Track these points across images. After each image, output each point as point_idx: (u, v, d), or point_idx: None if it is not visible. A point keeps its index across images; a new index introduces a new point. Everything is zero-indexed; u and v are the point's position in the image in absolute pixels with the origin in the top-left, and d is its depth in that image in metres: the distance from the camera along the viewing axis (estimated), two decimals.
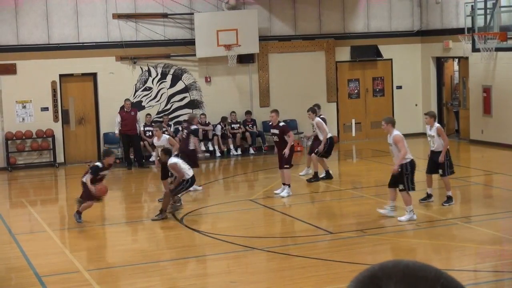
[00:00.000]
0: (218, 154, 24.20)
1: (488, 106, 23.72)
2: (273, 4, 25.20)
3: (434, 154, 15.55)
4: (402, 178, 14.03)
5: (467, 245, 12.96)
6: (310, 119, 19.32)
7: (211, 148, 24.36)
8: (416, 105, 27.04)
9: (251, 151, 24.40)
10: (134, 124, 22.85)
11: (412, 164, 14.10)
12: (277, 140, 17.15)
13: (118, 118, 22.78)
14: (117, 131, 22.86)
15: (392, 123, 14.41)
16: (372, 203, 16.57)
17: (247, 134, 24.46)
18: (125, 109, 22.80)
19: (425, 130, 26.58)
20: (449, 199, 15.52)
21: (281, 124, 17.33)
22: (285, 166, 16.94)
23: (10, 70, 22.61)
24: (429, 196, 15.89)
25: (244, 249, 12.89)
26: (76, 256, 12.93)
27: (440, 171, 15.42)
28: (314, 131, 19.34)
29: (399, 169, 13.98)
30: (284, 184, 17.07)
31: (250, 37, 23.99)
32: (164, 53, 24.16)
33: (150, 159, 18.10)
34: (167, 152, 15.76)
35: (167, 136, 17.67)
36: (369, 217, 15.10)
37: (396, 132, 14.19)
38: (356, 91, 26.67)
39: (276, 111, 17.58)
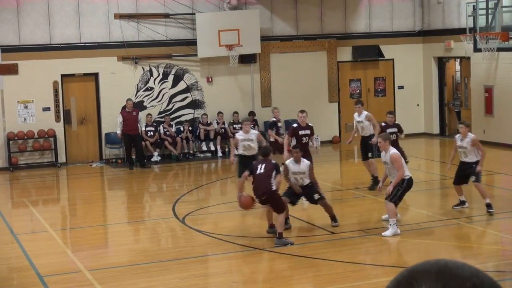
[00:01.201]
0: (219, 154, 24.20)
1: (489, 106, 23.71)
2: (274, 4, 25.20)
3: (465, 165, 14.63)
4: (394, 189, 13.28)
5: (469, 245, 12.96)
6: (358, 113, 18.01)
7: (212, 148, 24.36)
8: (418, 105, 27.04)
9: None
10: (136, 124, 22.85)
11: (409, 182, 13.36)
12: (306, 141, 16.46)
13: (120, 119, 22.77)
14: (119, 131, 22.85)
15: (389, 140, 13.61)
16: (373, 203, 16.56)
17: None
18: (127, 109, 22.79)
19: (428, 130, 26.75)
20: (489, 206, 14.59)
21: (310, 124, 16.79)
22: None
23: (12, 70, 22.63)
24: (462, 202, 15.08)
25: (246, 249, 12.90)
26: (78, 256, 12.93)
27: (473, 177, 14.48)
28: (356, 129, 18.06)
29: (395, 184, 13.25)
30: None
31: (251, 37, 23.99)
32: (165, 53, 24.17)
33: (232, 155, 16.36)
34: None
35: (257, 132, 16.21)
36: (371, 217, 15.10)
37: (393, 151, 13.37)
38: (358, 91, 26.67)
39: (305, 111, 17.08)
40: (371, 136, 17.52)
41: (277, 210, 13.01)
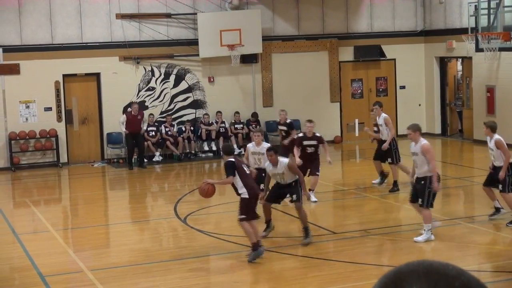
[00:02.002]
0: (222, 153, 24.15)
1: (491, 106, 23.69)
2: (276, 4, 25.20)
3: (495, 169, 13.83)
4: (422, 192, 12.75)
5: (471, 245, 12.95)
6: (376, 116, 17.50)
7: (214, 148, 24.36)
8: (419, 105, 27.02)
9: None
10: (139, 125, 22.86)
11: (437, 178, 12.88)
12: (312, 151, 16.29)
13: (123, 118, 22.72)
14: (124, 129, 22.71)
15: (419, 130, 13.18)
16: (375, 203, 16.56)
17: (251, 134, 24.39)
18: (133, 113, 22.75)
19: (430, 130, 26.73)
20: (497, 210, 14.16)
21: (318, 134, 16.48)
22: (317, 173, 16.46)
23: (13, 70, 22.64)
24: (497, 210, 14.18)
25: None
26: (79, 256, 12.94)
27: (500, 186, 13.70)
28: (376, 131, 17.65)
29: (422, 181, 12.75)
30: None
31: (253, 37, 23.99)
32: (167, 53, 24.17)
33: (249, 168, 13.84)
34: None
35: (269, 145, 14.21)
36: (372, 217, 15.10)
37: (424, 141, 12.90)
38: (360, 91, 26.66)
39: (312, 121, 16.60)
40: (391, 141, 17.26)
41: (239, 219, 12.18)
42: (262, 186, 13.62)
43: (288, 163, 12.81)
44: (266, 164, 13.09)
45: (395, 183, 17.35)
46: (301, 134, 16.57)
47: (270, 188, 13.38)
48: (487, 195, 14.28)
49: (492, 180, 13.90)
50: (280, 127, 19.20)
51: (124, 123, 22.70)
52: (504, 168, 13.57)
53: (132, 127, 22.63)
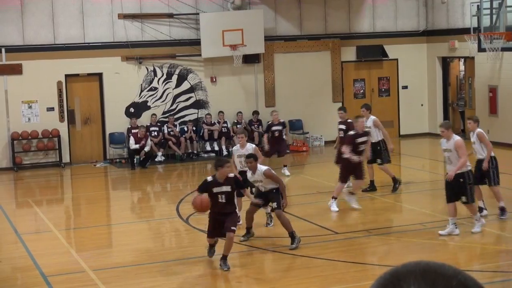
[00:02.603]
0: (224, 153, 24.20)
1: (494, 106, 23.67)
2: (278, 4, 25.20)
3: (479, 163, 14.13)
4: (464, 189, 12.81)
5: (473, 245, 12.94)
6: (366, 118, 17.22)
7: (216, 148, 24.37)
8: (422, 105, 27.01)
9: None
10: (144, 145, 22.81)
11: (472, 173, 13.00)
12: (363, 149, 15.78)
13: (132, 141, 22.68)
14: (135, 146, 22.68)
15: (451, 127, 13.31)
16: (377, 203, 16.55)
17: (255, 134, 24.42)
18: (139, 136, 22.72)
19: (431, 129, 26.70)
20: (502, 210, 14.24)
21: (367, 129, 16.10)
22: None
23: (16, 70, 22.66)
24: (480, 209, 14.24)
25: (249, 249, 12.90)
26: (82, 256, 12.94)
27: (486, 180, 14.08)
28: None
29: (460, 179, 12.77)
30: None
31: (255, 37, 23.99)
32: (169, 53, 24.18)
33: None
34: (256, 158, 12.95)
35: (253, 146, 14.31)
36: (375, 217, 15.09)
37: (457, 137, 13.01)
38: (362, 91, 26.65)
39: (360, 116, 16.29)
40: (379, 142, 17.14)
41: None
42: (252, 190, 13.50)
43: (264, 171, 12.57)
44: (247, 171, 12.98)
45: (372, 183, 17.37)
46: (352, 132, 15.64)
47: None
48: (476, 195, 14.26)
49: (480, 177, 14.00)
50: (274, 128, 19.60)
51: (133, 143, 22.69)
52: (487, 160, 13.91)
53: (138, 143, 22.72)
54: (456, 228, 13.13)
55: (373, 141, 16.98)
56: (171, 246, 14.10)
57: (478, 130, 14.13)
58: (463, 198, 12.90)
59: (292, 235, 12.64)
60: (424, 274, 1.69)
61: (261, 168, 12.70)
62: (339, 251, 12.62)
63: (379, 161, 17.28)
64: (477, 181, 13.98)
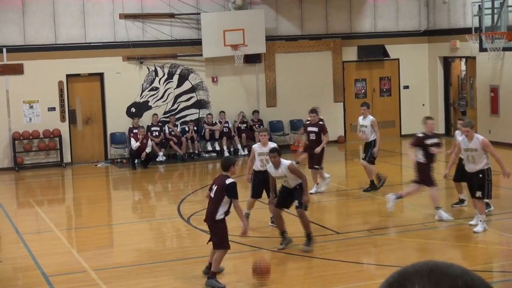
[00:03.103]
0: (226, 153, 24.19)
1: (495, 106, 23.66)
2: (279, 4, 25.19)
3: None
4: (483, 185, 13.03)
5: (474, 245, 12.93)
6: (362, 116, 17.44)
7: (217, 148, 24.36)
8: (423, 105, 26.99)
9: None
10: (145, 146, 22.75)
11: (491, 170, 13.22)
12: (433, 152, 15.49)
13: (134, 142, 22.64)
14: (137, 145, 22.63)
15: (474, 127, 13.43)
16: (379, 203, 16.54)
17: (256, 134, 24.40)
18: (139, 136, 22.68)
19: (435, 130, 26.66)
20: (487, 205, 14.43)
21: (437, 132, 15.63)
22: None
23: (17, 70, 22.66)
24: (461, 201, 15.27)
25: (251, 249, 12.89)
26: (83, 256, 12.94)
27: (479, 193, 14.16)
28: (361, 132, 17.42)
29: (480, 175, 13.02)
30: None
31: (256, 37, 23.98)
32: (170, 53, 24.18)
33: (248, 173, 14.36)
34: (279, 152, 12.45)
35: (275, 145, 13.61)
36: (376, 217, 15.08)
37: (482, 136, 13.21)
38: (363, 91, 26.64)
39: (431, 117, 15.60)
40: (371, 142, 17.20)
41: (217, 245, 11.00)
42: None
43: (289, 166, 12.14)
44: (268, 166, 12.60)
45: (372, 183, 17.39)
46: (421, 134, 14.97)
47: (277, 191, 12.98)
48: (456, 189, 15.10)
49: (463, 174, 14.10)
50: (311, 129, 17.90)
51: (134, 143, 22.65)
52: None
53: (141, 147, 22.67)
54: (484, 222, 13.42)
55: (367, 141, 17.27)
56: (172, 246, 14.09)
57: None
58: (479, 193, 13.16)
59: (309, 237, 12.44)
60: (430, 273, 1.69)
61: (285, 162, 12.24)
62: (340, 251, 12.61)
63: (362, 156, 17.48)
64: (458, 179, 14.67)
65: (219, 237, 10.92)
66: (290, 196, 12.45)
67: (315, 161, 17.10)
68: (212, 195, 10.93)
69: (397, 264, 11.73)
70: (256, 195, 13.97)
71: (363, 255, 12.44)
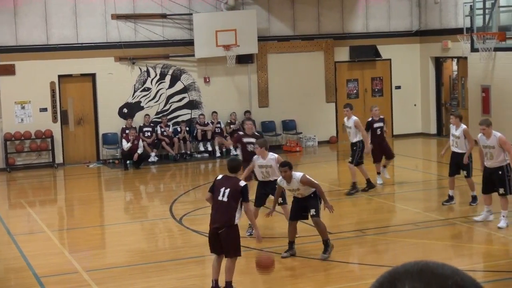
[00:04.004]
0: (218, 154, 24.20)
1: (487, 106, 23.72)
2: (272, 5, 25.20)
3: (457, 155, 15.17)
4: (503, 181, 13.34)
5: (466, 245, 12.97)
6: (346, 117, 17.30)
7: (210, 148, 24.36)
8: (415, 105, 27.05)
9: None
10: (137, 147, 22.71)
11: (510, 166, 13.46)
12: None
13: (125, 143, 22.59)
14: (128, 145, 22.57)
15: (491, 125, 13.65)
16: (371, 203, 16.57)
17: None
18: (129, 137, 22.64)
19: (425, 130, 26.76)
20: (474, 199, 15.37)
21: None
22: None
23: (9, 70, 22.61)
24: (451, 198, 15.56)
25: (243, 249, 12.88)
26: (75, 257, 12.92)
27: (464, 172, 15.18)
28: (349, 132, 17.33)
29: (499, 172, 13.34)
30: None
31: (249, 37, 23.99)
32: (163, 53, 24.16)
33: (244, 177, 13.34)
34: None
35: (275, 157, 13.37)
36: (368, 217, 15.11)
37: (499, 133, 13.47)
38: (355, 91, 26.67)
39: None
40: (357, 143, 17.04)
41: (230, 253, 10.43)
42: (280, 200, 13.08)
43: (301, 179, 11.73)
44: (279, 179, 12.09)
45: (369, 181, 17.40)
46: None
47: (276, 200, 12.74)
48: (449, 185, 15.51)
49: (456, 167, 15.18)
50: (376, 125, 17.95)
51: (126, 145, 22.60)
52: (467, 154, 14.88)
53: (133, 149, 22.64)
54: (491, 214, 13.82)
55: (352, 141, 17.15)
56: (164, 246, 14.09)
57: (464, 126, 15.21)
58: (501, 190, 13.43)
59: (326, 243, 12.01)
60: (421, 273, 1.70)
61: (297, 175, 11.81)
62: (333, 251, 12.62)
63: (350, 159, 17.36)
64: (453, 173, 15.28)
65: (234, 244, 10.40)
66: (303, 207, 12.02)
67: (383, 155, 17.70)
68: (224, 199, 10.25)
69: (389, 264, 11.75)
70: (258, 204, 13.63)
71: (355, 255, 12.46)
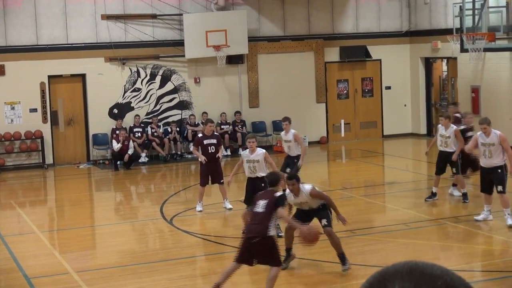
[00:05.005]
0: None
1: (476, 106, 23.80)
2: (262, 5, 25.21)
3: (446, 154, 15.54)
4: (502, 180, 13.51)
5: (456, 245, 13.01)
6: (286, 132, 15.97)
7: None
8: (405, 105, 27.11)
9: (241, 151, 24.24)
10: (127, 147, 22.67)
11: (506, 165, 13.65)
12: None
13: (116, 144, 22.53)
14: (118, 146, 22.50)
15: (490, 123, 13.72)
16: (361, 203, 16.60)
17: (238, 134, 24.43)
18: (120, 138, 22.58)
19: (415, 130, 26.83)
20: (465, 196, 15.72)
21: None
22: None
23: None
24: (434, 194, 16.00)
25: (235, 250, 12.89)
26: (66, 258, 12.90)
27: (454, 169, 15.60)
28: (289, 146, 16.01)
29: (499, 170, 13.48)
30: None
31: (239, 37, 24.00)
32: (153, 54, 24.14)
33: (231, 175, 14.25)
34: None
35: (263, 152, 13.68)
36: (359, 218, 15.13)
37: (499, 132, 13.59)
38: (345, 91, 26.72)
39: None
40: (298, 156, 15.74)
41: (275, 262, 10.26)
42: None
43: (311, 192, 11.20)
44: (287, 194, 11.23)
45: None
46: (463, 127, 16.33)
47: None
48: (434, 182, 15.92)
49: (443, 166, 15.69)
50: (470, 133, 16.39)
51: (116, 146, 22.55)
52: (457, 152, 15.24)
53: (123, 149, 22.58)
54: (490, 214, 13.94)
55: (292, 155, 15.86)
56: (155, 247, 14.08)
57: (455, 127, 15.60)
58: (500, 188, 13.54)
59: (342, 257, 11.37)
60: (410, 273, 1.71)
61: (306, 188, 11.22)
62: (323, 251, 12.63)
63: (288, 170, 15.50)
64: (440, 171, 15.75)
65: (275, 253, 10.20)
66: (309, 218, 11.33)
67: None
68: (260, 210, 10.13)
69: (380, 264, 11.77)
70: (249, 201, 13.42)
71: (346, 256, 12.46)
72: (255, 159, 13.49)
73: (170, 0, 24.01)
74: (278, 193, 10.38)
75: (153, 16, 23.99)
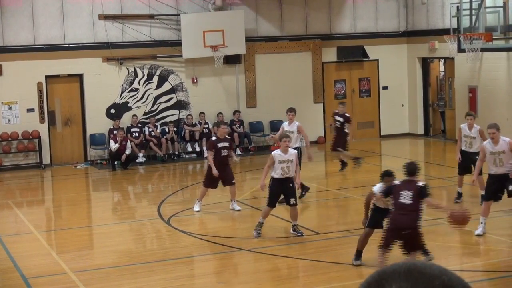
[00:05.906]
0: (205, 154, 24.16)
1: (473, 106, 23.82)
2: (259, 5, 25.22)
3: (470, 155, 15.43)
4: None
5: (453, 245, 13.02)
6: (288, 122, 16.66)
7: (197, 149, 24.35)
8: (402, 105, 27.13)
9: (238, 151, 24.32)
10: (125, 148, 22.64)
11: None
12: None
13: (113, 144, 22.50)
14: (116, 146, 22.47)
15: (499, 129, 13.52)
16: (358, 203, 16.59)
17: (235, 134, 24.44)
18: (117, 138, 22.56)
19: (413, 130, 26.84)
20: (459, 194, 15.96)
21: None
22: None
23: None
24: (460, 195, 16.00)
25: (232, 250, 12.90)
26: (63, 258, 12.90)
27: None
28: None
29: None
30: None
31: (236, 38, 24.00)
32: (150, 54, 24.14)
33: (263, 179, 13.64)
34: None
35: (295, 151, 13.59)
36: (356, 218, 15.12)
37: (508, 138, 13.33)
38: (343, 91, 26.73)
39: None
40: (297, 148, 15.81)
41: (416, 249, 10.76)
42: (292, 200, 13.18)
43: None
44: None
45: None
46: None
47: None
48: (458, 182, 15.93)
49: (467, 166, 15.50)
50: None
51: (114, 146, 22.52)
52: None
53: (121, 149, 22.57)
54: (484, 227, 13.37)
55: (292, 147, 15.50)
56: (152, 247, 14.08)
57: (479, 126, 15.53)
58: (511, 187, 13.38)
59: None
60: (408, 273, 1.71)
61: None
62: (320, 251, 12.65)
63: None
64: (464, 171, 15.71)
65: (420, 242, 10.82)
66: (383, 216, 11.43)
67: None
68: (407, 201, 10.36)
69: (377, 264, 11.78)
70: (273, 204, 13.47)
71: (343, 256, 12.47)
72: (289, 159, 13.23)
73: (168, 0, 24.01)
74: (421, 183, 10.63)
75: (151, 16, 23.99)
